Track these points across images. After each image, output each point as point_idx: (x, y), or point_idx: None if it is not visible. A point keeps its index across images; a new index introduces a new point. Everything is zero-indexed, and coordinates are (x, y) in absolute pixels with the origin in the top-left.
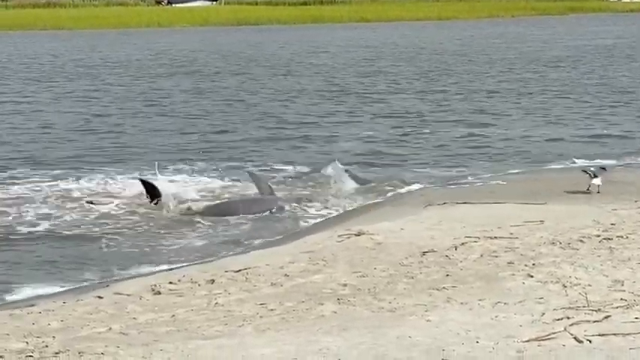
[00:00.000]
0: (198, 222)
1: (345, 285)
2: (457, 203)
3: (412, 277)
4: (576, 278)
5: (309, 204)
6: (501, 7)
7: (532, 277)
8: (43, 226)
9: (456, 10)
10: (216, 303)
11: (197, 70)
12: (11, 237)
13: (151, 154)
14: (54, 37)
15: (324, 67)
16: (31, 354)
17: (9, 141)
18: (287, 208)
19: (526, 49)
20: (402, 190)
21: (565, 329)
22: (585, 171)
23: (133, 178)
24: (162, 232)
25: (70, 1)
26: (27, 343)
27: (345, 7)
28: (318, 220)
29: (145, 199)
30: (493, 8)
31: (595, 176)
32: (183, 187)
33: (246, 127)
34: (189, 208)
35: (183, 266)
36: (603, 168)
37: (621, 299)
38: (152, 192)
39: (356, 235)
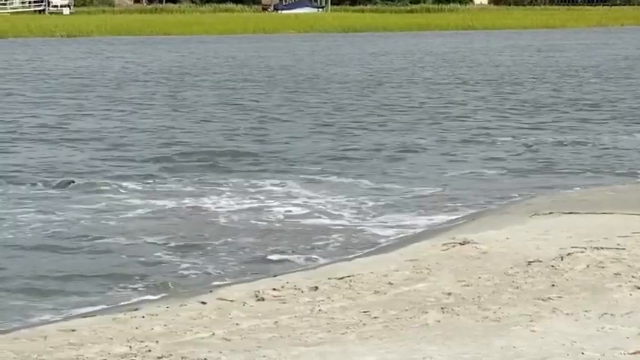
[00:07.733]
0: (301, 228)
1: (449, 294)
2: (563, 213)
3: (517, 287)
4: None
5: None
6: (610, 17)
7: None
8: (149, 233)
9: (564, 19)
10: (320, 310)
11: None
12: (118, 243)
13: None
14: (167, 42)
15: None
16: (134, 358)
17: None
18: None
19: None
20: (508, 200)
21: None
22: None
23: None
24: (266, 238)
25: (177, 7)
26: (130, 347)
27: (451, 14)
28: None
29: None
30: (603, 17)
31: None
32: None
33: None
34: None
35: (286, 273)
36: None
37: None
38: None
39: (460, 244)
